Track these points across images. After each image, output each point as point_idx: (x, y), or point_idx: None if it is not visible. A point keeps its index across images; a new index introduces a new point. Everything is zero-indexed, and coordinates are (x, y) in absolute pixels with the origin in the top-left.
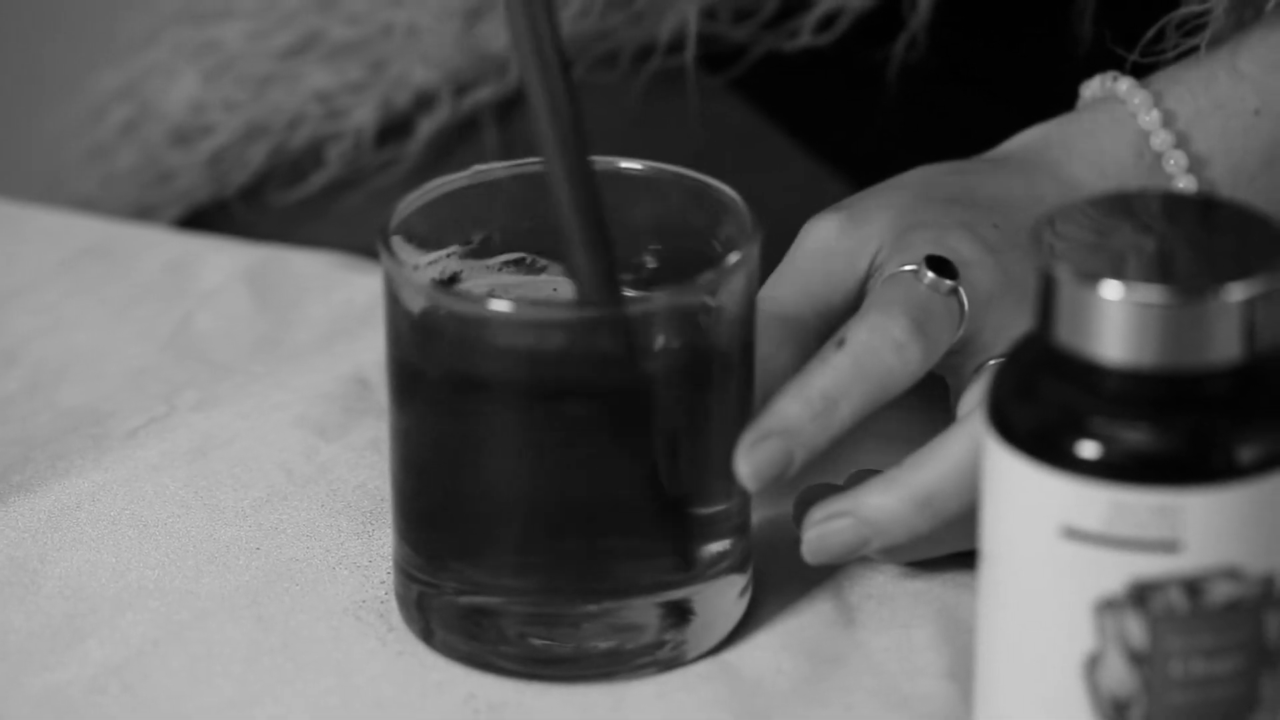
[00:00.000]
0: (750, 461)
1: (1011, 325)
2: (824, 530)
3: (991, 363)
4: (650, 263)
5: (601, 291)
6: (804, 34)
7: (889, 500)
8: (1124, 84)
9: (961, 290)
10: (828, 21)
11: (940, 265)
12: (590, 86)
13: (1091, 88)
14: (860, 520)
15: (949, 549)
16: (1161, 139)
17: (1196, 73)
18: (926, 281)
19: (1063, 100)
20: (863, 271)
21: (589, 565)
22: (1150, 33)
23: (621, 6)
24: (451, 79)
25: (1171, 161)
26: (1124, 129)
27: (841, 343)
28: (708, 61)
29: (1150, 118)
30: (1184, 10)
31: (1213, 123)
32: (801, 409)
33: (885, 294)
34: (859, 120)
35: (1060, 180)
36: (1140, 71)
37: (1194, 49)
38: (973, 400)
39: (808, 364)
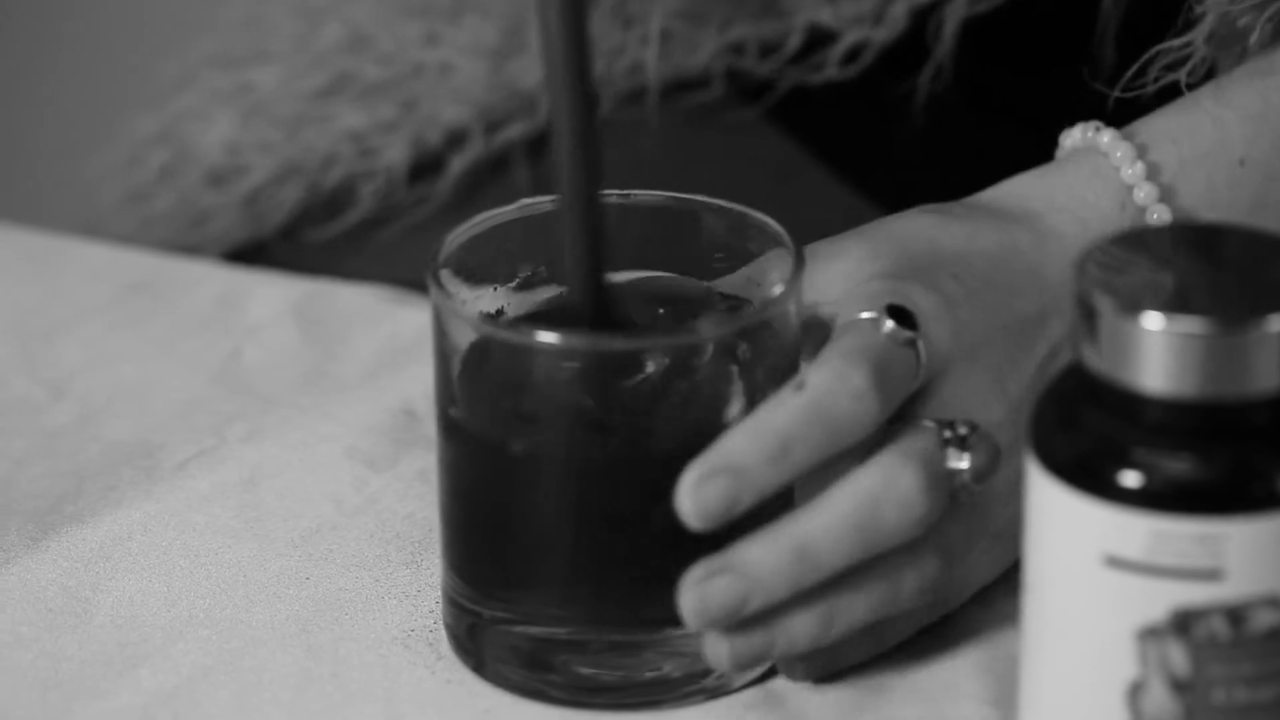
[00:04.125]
0: (695, 499)
1: (965, 382)
2: (704, 590)
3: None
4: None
5: (591, 315)
6: (829, 67)
7: (766, 552)
8: (1106, 136)
9: (920, 343)
10: (853, 54)
11: (901, 315)
12: (620, 122)
13: (1072, 137)
14: (739, 575)
15: (852, 658)
16: (1146, 192)
17: (1180, 122)
18: (886, 331)
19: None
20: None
21: (636, 594)
22: (1132, 70)
23: (646, 43)
24: (482, 116)
25: (1155, 215)
26: (1107, 182)
27: (800, 385)
28: (735, 96)
29: (1134, 171)
30: (1164, 45)
31: (1198, 175)
32: (754, 451)
33: (847, 342)
34: (888, 150)
35: (1038, 232)
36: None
37: (1175, 83)
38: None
39: (763, 404)
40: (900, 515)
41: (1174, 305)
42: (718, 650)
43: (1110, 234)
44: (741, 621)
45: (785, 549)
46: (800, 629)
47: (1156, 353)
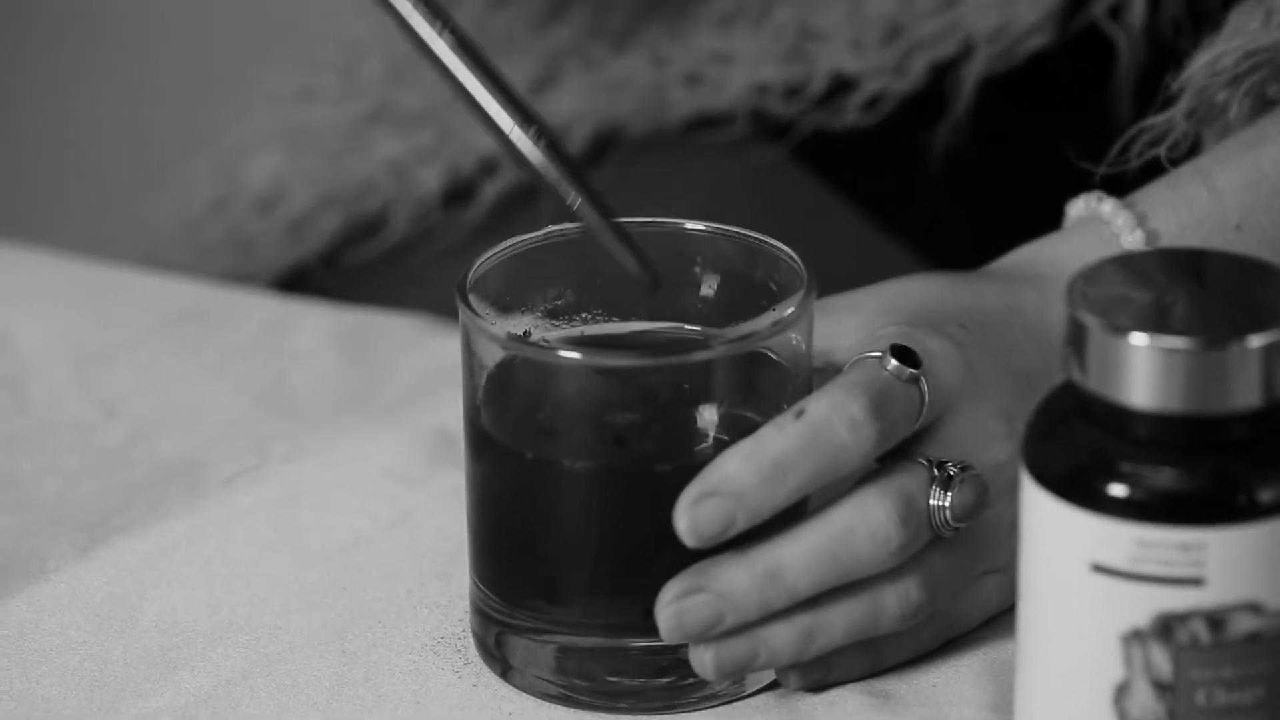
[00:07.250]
0: (691, 518)
1: (970, 421)
2: (681, 608)
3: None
4: (712, 317)
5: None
6: (850, 113)
7: (741, 574)
8: (1108, 205)
9: (923, 380)
10: (873, 102)
11: (904, 354)
12: (650, 153)
13: (1076, 207)
14: (715, 595)
15: (849, 673)
16: None
17: (1178, 193)
18: (889, 368)
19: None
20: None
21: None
22: (1116, 147)
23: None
24: None
25: None
26: (1109, 248)
27: (800, 413)
28: (760, 135)
29: (1134, 238)
30: (1145, 122)
31: (1194, 240)
32: (751, 473)
33: (850, 376)
34: (909, 191)
35: (1044, 294)
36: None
37: (1156, 158)
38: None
39: (761, 429)
40: (874, 548)
41: (1159, 324)
42: (703, 659)
43: (1101, 258)
44: (724, 633)
45: (760, 573)
46: (781, 642)
47: (1142, 369)
